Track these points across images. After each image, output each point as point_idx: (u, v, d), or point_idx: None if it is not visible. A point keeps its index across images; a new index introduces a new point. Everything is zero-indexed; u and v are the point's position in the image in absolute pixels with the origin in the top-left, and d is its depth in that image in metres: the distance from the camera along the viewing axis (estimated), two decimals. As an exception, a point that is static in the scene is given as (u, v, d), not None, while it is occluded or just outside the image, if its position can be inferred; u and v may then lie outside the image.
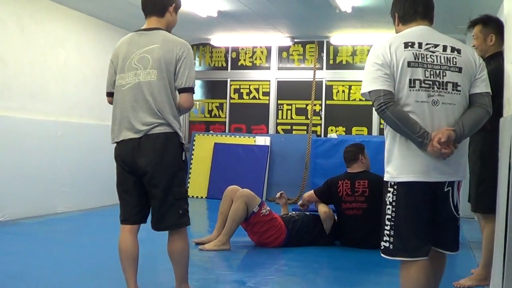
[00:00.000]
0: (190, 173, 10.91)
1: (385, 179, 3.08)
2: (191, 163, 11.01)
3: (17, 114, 7.41)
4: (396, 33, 3.22)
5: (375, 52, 3.01)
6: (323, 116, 11.24)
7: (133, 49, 3.62)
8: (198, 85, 12.33)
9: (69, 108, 8.46)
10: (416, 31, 3.09)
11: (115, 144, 3.68)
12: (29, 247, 5.72)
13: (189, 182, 10.83)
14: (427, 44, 3.00)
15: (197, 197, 10.67)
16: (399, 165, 2.99)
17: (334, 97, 11.21)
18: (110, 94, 3.77)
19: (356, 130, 11.06)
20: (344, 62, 11.20)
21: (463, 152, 3.09)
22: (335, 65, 11.23)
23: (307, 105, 11.26)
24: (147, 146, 3.52)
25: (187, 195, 3.75)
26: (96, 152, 8.40)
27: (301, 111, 11.37)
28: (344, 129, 11.14)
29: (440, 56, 2.98)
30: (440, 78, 2.94)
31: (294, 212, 6.36)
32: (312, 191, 6.37)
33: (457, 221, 3.13)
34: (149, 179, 3.55)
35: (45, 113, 7.94)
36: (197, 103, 12.20)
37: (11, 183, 7.17)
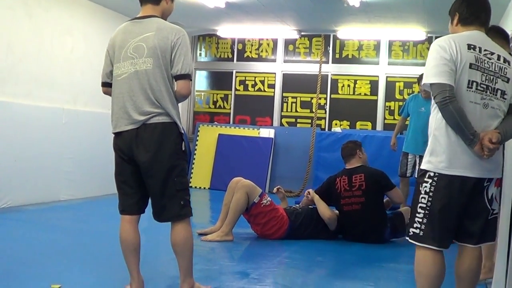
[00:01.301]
0: (193, 163, 10.92)
1: (425, 167, 3.22)
2: (195, 154, 11.01)
3: (23, 100, 7.41)
4: (451, 31, 3.36)
5: (442, 46, 3.14)
6: (327, 109, 11.24)
7: (128, 38, 3.57)
8: (203, 76, 12.34)
9: (75, 96, 8.46)
10: (476, 36, 3.24)
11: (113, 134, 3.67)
12: (32, 234, 5.74)
13: (192, 173, 10.85)
14: (485, 50, 3.18)
15: (200, 187, 10.68)
16: (447, 159, 3.13)
17: (339, 91, 11.21)
18: (105, 84, 3.74)
19: (361, 125, 11.06)
20: (350, 57, 11.19)
21: (500, 151, 3.24)
22: (341, 59, 11.24)
23: (312, 98, 11.26)
24: (144, 136, 3.49)
25: (189, 185, 3.72)
26: (100, 140, 8.38)
27: (306, 104, 11.36)
28: (348, 123, 11.14)
29: (495, 64, 3.18)
30: (492, 84, 3.15)
31: (297, 205, 6.37)
32: (313, 191, 6.36)
33: (489, 213, 3.22)
34: (146, 170, 3.51)
35: (51, 100, 7.95)
36: (202, 93, 12.22)
37: (15, 169, 7.19)
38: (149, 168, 3.50)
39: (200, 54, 12.18)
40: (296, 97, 11.46)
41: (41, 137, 7.64)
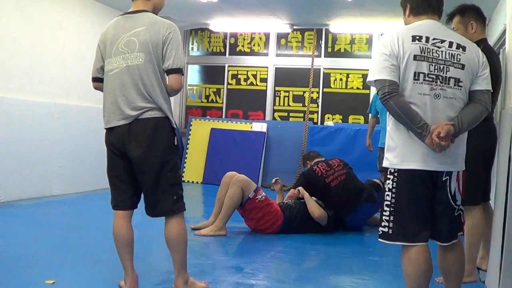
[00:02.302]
0: (186, 158, 10.91)
1: (384, 165, 3.17)
2: (187, 148, 11.00)
3: (15, 95, 7.37)
4: (405, 24, 3.28)
5: (384, 42, 3.08)
6: (320, 103, 11.25)
7: (120, 33, 3.56)
8: (195, 70, 12.32)
9: (67, 90, 8.42)
10: (426, 25, 3.15)
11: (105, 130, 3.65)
12: (25, 229, 5.72)
13: (184, 167, 10.84)
14: (434, 39, 3.07)
15: (192, 182, 10.67)
16: (400, 153, 3.08)
17: (332, 85, 11.22)
18: (95, 80, 3.73)
19: (353, 119, 11.08)
20: (342, 50, 11.20)
21: (461, 143, 3.14)
22: (333, 53, 11.25)
23: (304, 92, 11.26)
24: (137, 131, 3.48)
25: (181, 180, 3.72)
26: (93, 135, 8.34)
27: (299, 98, 11.37)
28: (341, 117, 11.16)
29: (445, 52, 3.06)
30: (443, 73, 3.03)
31: (291, 200, 6.38)
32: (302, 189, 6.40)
33: (454, 211, 3.16)
34: (138, 165, 3.51)
35: (43, 94, 7.90)
36: (194, 88, 12.20)
37: (7, 164, 7.15)
38: (142, 163, 3.49)
39: (192, 48, 12.16)
40: (288, 91, 11.47)
41: (33, 132, 7.61)
